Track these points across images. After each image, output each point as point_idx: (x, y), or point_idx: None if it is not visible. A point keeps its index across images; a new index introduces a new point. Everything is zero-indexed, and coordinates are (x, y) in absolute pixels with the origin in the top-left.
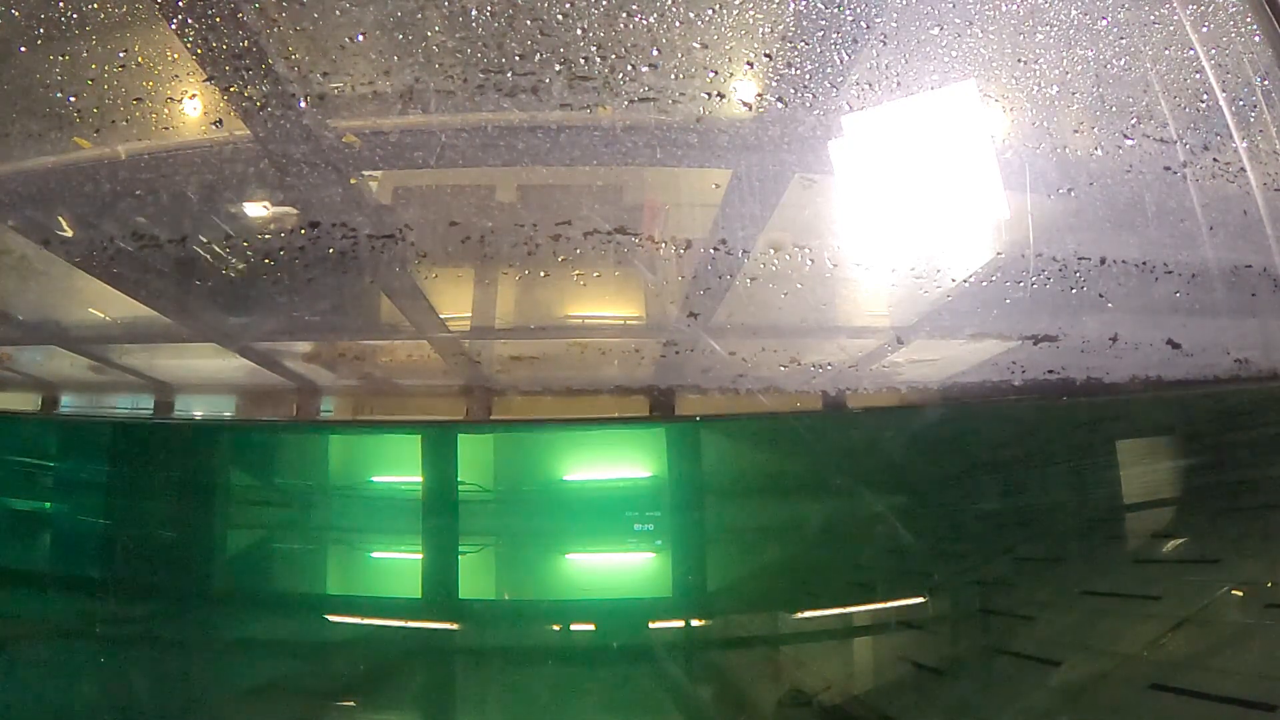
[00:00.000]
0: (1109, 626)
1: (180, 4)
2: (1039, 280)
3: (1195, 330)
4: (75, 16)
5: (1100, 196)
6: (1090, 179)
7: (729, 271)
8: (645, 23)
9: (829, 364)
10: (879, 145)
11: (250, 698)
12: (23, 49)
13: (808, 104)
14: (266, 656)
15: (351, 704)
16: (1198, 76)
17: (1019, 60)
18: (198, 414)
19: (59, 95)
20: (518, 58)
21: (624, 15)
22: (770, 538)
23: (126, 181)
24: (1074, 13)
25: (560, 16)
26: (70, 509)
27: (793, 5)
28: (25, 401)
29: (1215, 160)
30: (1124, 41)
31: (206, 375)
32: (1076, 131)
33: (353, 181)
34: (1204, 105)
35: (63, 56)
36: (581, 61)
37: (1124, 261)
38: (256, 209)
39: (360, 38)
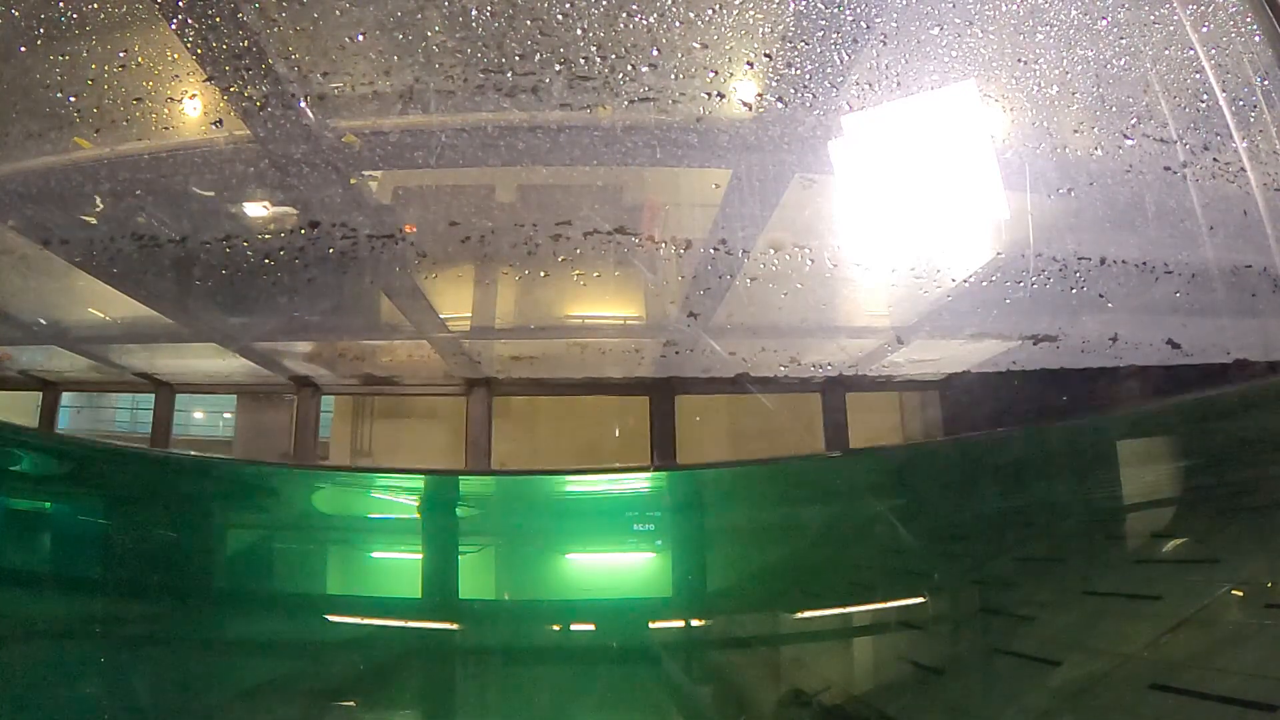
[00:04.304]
0: (1109, 626)
1: (180, 4)
2: (1039, 280)
3: (1195, 330)
4: (75, 16)
5: (1100, 196)
6: (1090, 179)
7: (729, 271)
8: (645, 23)
9: (829, 364)
10: (879, 145)
11: (250, 698)
12: (23, 49)
13: (808, 104)
14: (266, 656)
15: (351, 704)
16: (1198, 76)
17: (1019, 60)
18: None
19: (59, 95)
20: (518, 58)
21: (624, 15)
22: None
23: (126, 181)
24: (1074, 13)
25: (560, 16)
26: (70, 509)
27: (793, 5)
28: (25, 402)
29: (1215, 160)
30: (1124, 41)
31: (207, 375)
32: (1076, 131)
33: (353, 181)
34: (1204, 105)
35: (63, 56)
36: (581, 61)
37: (1124, 261)
38: (256, 209)
39: (360, 38)
